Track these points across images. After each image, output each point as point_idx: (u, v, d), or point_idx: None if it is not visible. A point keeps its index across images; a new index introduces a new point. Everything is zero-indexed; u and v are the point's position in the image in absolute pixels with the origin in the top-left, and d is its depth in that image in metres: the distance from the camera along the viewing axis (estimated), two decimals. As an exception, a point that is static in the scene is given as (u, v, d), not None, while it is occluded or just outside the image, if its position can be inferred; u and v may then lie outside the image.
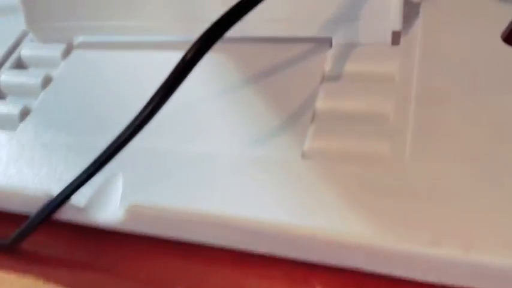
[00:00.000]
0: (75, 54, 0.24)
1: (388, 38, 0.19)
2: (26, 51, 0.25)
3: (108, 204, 0.17)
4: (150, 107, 0.14)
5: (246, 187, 0.16)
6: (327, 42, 0.20)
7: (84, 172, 0.16)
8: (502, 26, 0.18)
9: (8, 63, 0.24)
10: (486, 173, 0.14)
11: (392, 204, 0.14)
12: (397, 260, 0.14)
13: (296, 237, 0.15)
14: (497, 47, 0.18)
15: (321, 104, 0.18)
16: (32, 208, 0.18)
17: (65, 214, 0.18)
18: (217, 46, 0.21)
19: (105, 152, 0.15)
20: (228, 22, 0.15)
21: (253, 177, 0.16)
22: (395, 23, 0.18)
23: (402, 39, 0.19)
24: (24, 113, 0.22)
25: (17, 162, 0.20)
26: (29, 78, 0.23)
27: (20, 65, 0.25)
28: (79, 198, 0.17)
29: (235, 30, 0.20)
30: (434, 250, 0.13)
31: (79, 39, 0.24)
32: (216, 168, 0.17)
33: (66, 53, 0.24)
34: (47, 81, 0.23)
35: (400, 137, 0.16)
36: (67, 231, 0.19)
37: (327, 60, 0.19)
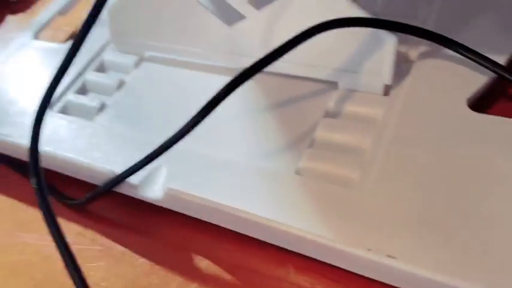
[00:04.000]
0: (144, 65, 0.31)
1: (380, 89, 0.24)
2: (107, 57, 0.32)
3: (153, 185, 0.24)
4: (193, 121, 0.21)
5: (252, 188, 0.22)
6: (335, 85, 0.26)
7: (141, 160, 0.23)
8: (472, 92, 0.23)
9: (92, 66, 0.32)
10: (430, 206, 0.20)
11: (350, 216, 0.20)
12: (345, 258, 0.20)
13: (278, 231, 0.20)
14: (463, 110, 0.23)
15: (319, 134, 0.24)
16: (97, 180, 0.25)
17: (123, 188, 0.24)
18: (257, 77, 0.27)
19: (160, 147, 0.22)
20: (253, 70, 0.21)
21: (258, 182, 0.22)
22: (386, 79, 0.24)
23: (392, 91, 0.24)
24: (101, 108, 0.29)
25: (91, 144, 0.27)
26: (107, 80, 0.30)
27: (101, 68, 0.32)
28: (135, 178, 0.24)
29: (272, 67, 0.26)
30: (369, 255, 0.19)
31: (149, 53, 0.31)
32: (234, 171, 0.23)
33: (138, 63, 0.31)
34: (120, 84, 0.30)
35: (369, 169, 0.21)
36: (123, 201, 0.26)
37: (331, 100, 0.25)
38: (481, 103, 0.24)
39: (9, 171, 0.30)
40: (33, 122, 0.22)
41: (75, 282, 0.20)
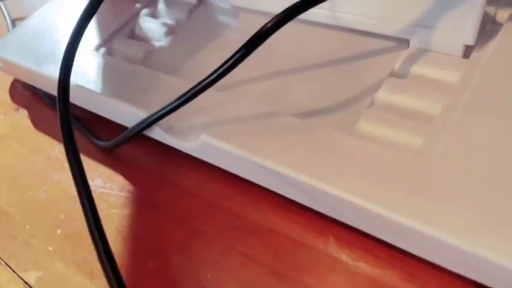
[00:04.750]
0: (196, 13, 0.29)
1: (459, 50, 0.21)
2: (160, 5, 0.30)
3: (188, 133, 0.21)
4: (231, 60, 0.18)
5: (297, 145, 0.19)
6: (405, 43, 0.22)
7: (172, 103, 0.21)
8: None
9: (144, 12, 0.30)
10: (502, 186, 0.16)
11: (407, 185, 0.17)
12: (397, 232, 0.16)
13: (321, 193, 0.18)
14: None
15: (380, 94, 0.21)
16: (131, 123, 0.23)
17: (156, 134, 0.23)
18: (319, 31, 0.24)
19: (190, 90, 0.20)
20: (302, 8, 0.18)
21: (306, 139, 0.19)
22: (469, 38, 0.20)
23: (473, 54, 0.21)
24: (147, 53, 0.27)
25: (132, 87, 0.25)
26: (157, 26, 0.29)
27: (153, 15, 0.30)
28: (168, 123, 0.22)
29: (335, 19, 0.24)
30: (431, 230, 0.16)
31: None
32: (279, 126, 0.20)
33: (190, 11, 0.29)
34: (169, 31, 0.28)
35: (437, 137, 0.18)
36: (156, 149, 0.24)
37: (399, 59, 0.22)
38: None
39: (48, 109, 0.29)
40: (65, 52, 0.21)
41: (89, 227, 0.18)
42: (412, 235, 0.16)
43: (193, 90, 0.20)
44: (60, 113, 0.19)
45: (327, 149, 0.19)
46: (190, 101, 0.20)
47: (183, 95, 0.20)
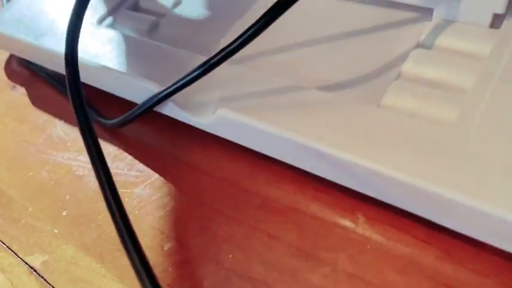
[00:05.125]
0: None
1: (488, 20, 0.20)
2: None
3: (203, 108, 0.20)
4: (253, 29, 0.17)
5: (322, 119, 0.18)
6: (429, 14, 0.21)
7: (187, 76, 0.19)
8: None
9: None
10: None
11: (442, 158, 0.16)
12: (435, 204, 0.16)
13: (348, 165, 0.17)
14: None
15: (407, 66, 0.20)
16: (139, 99, 0.22)
17: (167, 110, 0.21)
18: (340, 2, 0.23)
19: (207, 61, 0.18)
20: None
21: (331, 114, 0.18)
22: (498, 6, 0.19)
23: (504, 23, 0.20)
24: (152, 25, 0.26)
25: (139, 60, 0.23)
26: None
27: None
28: (179, 98, 0.21)
29: None
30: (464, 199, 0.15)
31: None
32: (303, 100, 0.19)
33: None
34: (176, 3, 0.27)
35: (471, 109, 0.17)
36: (168, 125, 0.23)
37: (425, 30, 0.21)
38: None
39: (47, 87, 0.28)
40: (69, 24, 0.19)
41: (111, 211, 0.17)
42: (452, 208, 0.15)
43: (211, 62, 0.18)
44: (70, 87, 0.18)
45: (355, 121, 0.18)
46: (207, 73, 0.19)
47: (200, 66, 0.19)
